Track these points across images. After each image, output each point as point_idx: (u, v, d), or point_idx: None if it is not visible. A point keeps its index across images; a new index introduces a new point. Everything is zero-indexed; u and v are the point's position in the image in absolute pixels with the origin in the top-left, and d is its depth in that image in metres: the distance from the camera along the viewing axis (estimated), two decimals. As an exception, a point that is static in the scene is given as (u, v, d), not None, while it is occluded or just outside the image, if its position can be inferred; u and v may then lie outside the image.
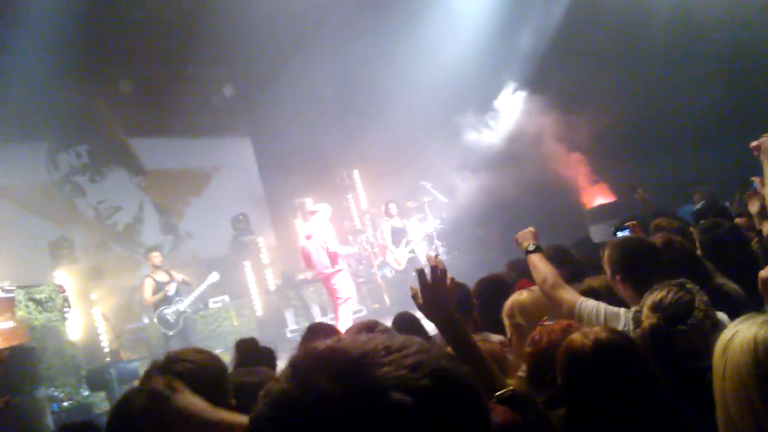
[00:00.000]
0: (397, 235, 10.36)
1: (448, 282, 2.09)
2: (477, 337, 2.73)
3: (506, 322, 2.94)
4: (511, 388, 2.02)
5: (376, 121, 11.40)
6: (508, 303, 2.96)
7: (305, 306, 10.11)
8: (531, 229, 3.36)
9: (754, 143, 3.66)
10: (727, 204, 6.72)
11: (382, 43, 10.99)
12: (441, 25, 11.17)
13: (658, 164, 9.57)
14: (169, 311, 8.65)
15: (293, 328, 10.03)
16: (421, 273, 2.10)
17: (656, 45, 10.08)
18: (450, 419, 0.73)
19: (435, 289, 2.07)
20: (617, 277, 2.98)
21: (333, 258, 8.46)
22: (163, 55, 10.91)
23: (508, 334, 2.92)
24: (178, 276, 9.07)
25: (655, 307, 2.20)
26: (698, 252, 3.52)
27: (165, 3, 9.91)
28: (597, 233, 9.03)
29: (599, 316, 2.85)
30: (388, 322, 4.78)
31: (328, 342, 0.81)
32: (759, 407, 1.44)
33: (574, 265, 4.54)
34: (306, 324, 9.53)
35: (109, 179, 11.17)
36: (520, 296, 2.96)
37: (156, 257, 9.02)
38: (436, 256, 2.20)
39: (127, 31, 10.16)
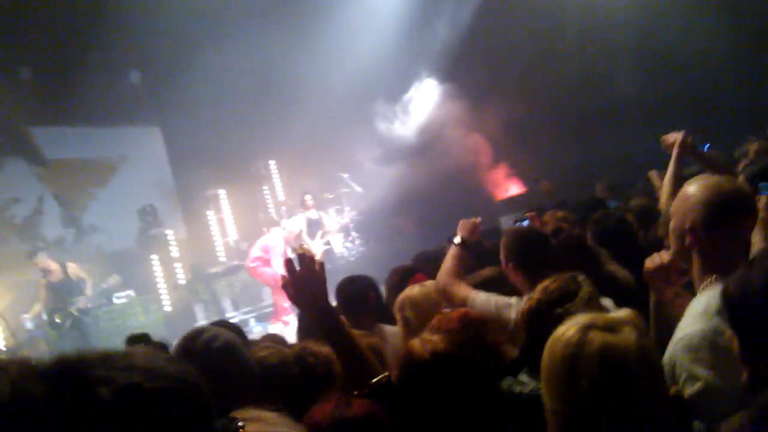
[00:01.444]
0: (313, 227, 10.26)
1: (317, 269, 2.03)
2: (363, 332, 2.71)
3: (397, 315, 2.97)
4: (386, 374, 1.99)
5: (293, 112, 11.25)
6: (400, 297, 3.00)
7: (216, 300, 9.87)
8: (474, 220, 3.42)
9: (668, 137, 3.74)
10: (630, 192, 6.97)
11: (297, 33, 10.87)
12: (356, 16, 11.12)
13: (567, 155, 9.88)
14: (56, 313, 8.37)
15: (203, 323, 9.76)
16: (288, 262, 2.03)
17: (567, 38, 10.36)
18: (156, 412, 0.78)
19: (303, 277, 2.02)
20: (510, 265, 3.05)
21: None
22: (65, 40, 10.38)
23: (398, 327, 2.93)
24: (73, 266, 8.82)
25: (540, 293, 2.24)
26: (588, 241, 3.60)
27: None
28: (507, 223, 9.21)
29: (489, 307, 2.90)
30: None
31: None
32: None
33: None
34: (216, 318, 9.41)
35: (7, 170, 10.51)
36: (412, 291, 2.99)
37: (41, 261, 8.70)
38: (302, 246, 2.15)
39: (26, 15, 9.64)
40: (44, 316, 8.47)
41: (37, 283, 8.87)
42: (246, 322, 9.10)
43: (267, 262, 8.86)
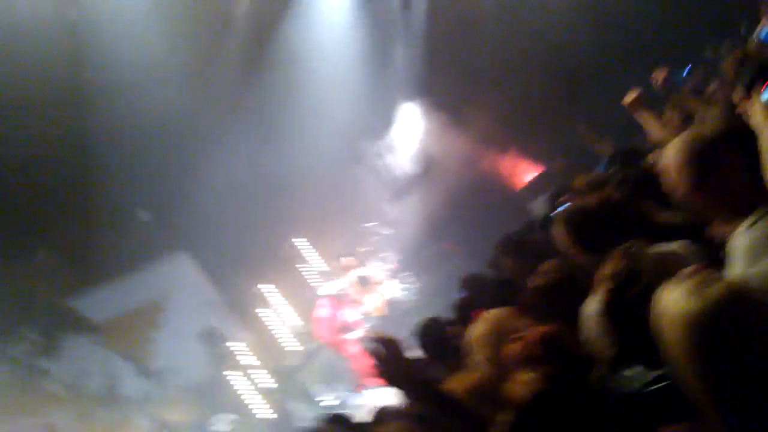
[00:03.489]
0: (363, 284, 10.37)
1: (396, 348, 2.17)
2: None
3: (474, 359, 2.89)
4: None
5: (298, 185, 11.47)
6: (470, 341, 2.93)
7: (309, 390, 10.03)
8: None
9: (626, 100, 3.91)
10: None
11: (272, 109, 11.12)
12: (325, 71, 11.34)
13: (568, 117, 9.93)
14: None
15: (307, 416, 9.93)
16: (366, 349, 2.24)
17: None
18: None
19: (387, 359, 2.15)
20: (574, 250, 3.07)
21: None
22: (68, 212, 10.68)
23: (479, 371, 2.86)
24: None
25: (609, 282, 2.18)
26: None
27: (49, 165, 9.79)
28: (539, 206, 9.30)
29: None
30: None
31: None
32: (694, 382, 1.42)
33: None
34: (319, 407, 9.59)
35: (67, 350, 10.77)
36: (477, 330, 2.92)
37: None
38: (373, 330, 2.21)
39: (22, 203, 9.97)
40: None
41: None
42: (346, 398, 9.26)
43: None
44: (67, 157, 10.16)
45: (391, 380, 2.17)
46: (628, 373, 1.97)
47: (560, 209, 5.36)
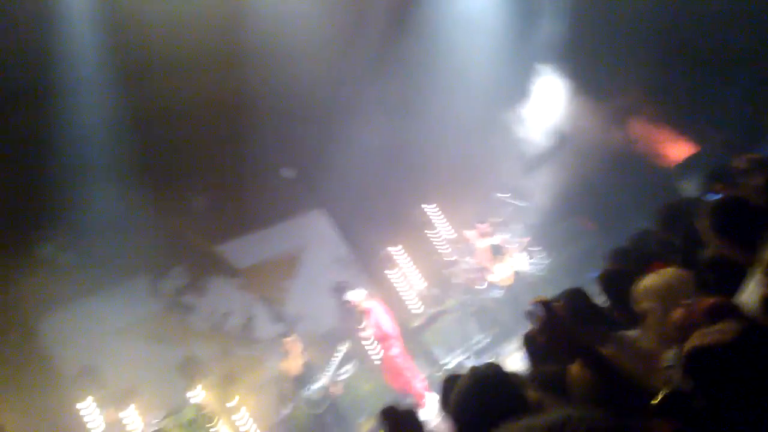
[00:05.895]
0: (496, 253, 10.30)
1: (558, 313, 2.13)
2: (609, 347, 2.68)
3: (640, 308, 2.86)
4: (665, 391, 2.02)
5: (434, 152, 11.51)
6: (639, 289, 2.89)
7: (427, 352, 10.18)
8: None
9: None
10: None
11: (413, 77, 11.19)
12: (466, 40, 11.23)
13: (725, 100, 9.18)
14: (312, 391, 8.88)
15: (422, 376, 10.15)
16: (529, 314, 2.17)
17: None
18: None
19: (551, 325, 2.12)
20: (725, 242, 2.92)
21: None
22: (221, 165, 11.43)
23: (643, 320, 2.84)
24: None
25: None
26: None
27: (201, 124, 10.47)
28: (689, 188, 8.75)
29: None
30: (513, 344, 4.62)
31: None
32: None
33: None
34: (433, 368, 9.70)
35: (212, 289, 11.65)
36: (650, 281, 2.87)
37: (288, 342, 9.38)
38: (537, 296, 2.20)
39: (181, 151, 10.76)
40: (286, 409, 9.11)
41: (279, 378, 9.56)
42: (462, 365, 9.32)
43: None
44: (223, 114, 10.78)
45: (551, 343, 2.16)
46: None
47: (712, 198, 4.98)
